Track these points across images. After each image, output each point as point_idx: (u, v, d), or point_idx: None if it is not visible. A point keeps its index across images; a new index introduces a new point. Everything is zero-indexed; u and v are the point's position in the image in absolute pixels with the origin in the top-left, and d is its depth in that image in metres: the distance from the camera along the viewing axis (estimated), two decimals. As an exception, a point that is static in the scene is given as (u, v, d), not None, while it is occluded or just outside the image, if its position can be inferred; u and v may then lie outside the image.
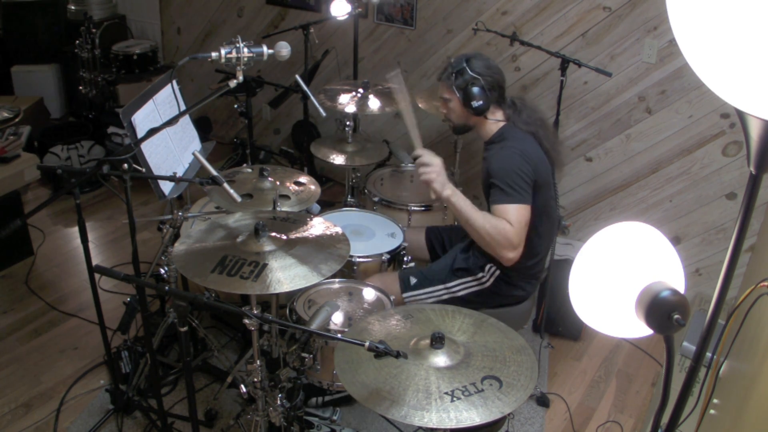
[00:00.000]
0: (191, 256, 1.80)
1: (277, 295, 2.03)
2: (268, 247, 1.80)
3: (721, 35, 0.73)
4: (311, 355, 1.95)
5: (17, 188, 3.34)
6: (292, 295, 2.23)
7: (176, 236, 2.30)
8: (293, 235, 1.90)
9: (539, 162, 2.16)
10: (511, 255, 2.08)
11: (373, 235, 2.56)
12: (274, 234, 1.86)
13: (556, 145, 2.28)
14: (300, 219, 2.02)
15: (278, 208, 2.01)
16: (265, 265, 1.72)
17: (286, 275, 1.70)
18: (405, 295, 2.30)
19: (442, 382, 1.50)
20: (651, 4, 2.92)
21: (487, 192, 2.19)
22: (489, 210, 2.14)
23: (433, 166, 2.14)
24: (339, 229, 1.97)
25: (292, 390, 2.09)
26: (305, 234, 1.93)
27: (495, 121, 2.24)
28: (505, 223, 2.05)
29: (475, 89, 2.16)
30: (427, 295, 2.30)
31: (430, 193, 2.16)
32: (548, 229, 2.30)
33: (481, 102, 2.17)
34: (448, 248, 2.57)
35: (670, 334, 0.99)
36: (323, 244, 1.89)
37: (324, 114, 2.53)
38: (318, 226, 1.98)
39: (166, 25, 4.90)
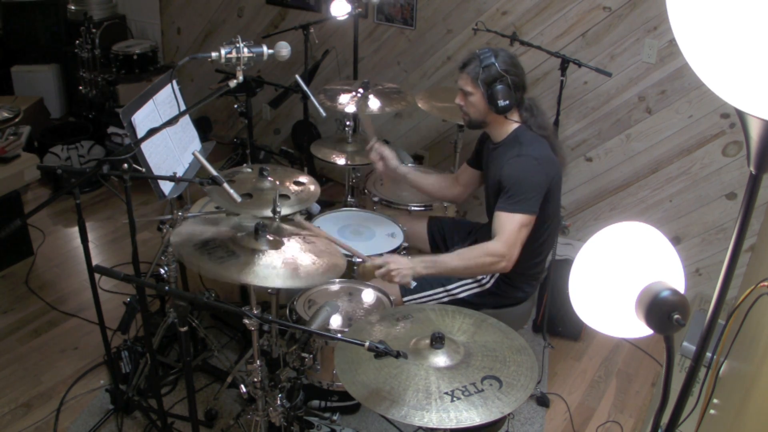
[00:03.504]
0: (191, 236, 1.81)
1: (278, 294, 2.03)
2: (263, 246, 1.80)
3: (721, 35, 0.73)
4: (311, 355, 1.96)
5: (17, 188, 3.34)
6: (292, 295, 2.23)
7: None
8: (291, 242, 1.89)
9: (553, 167, 2.14)
10: (504, 265, 2.07)
11: (373, 235, 2.56)
12: (273, 237, 1.86)
13: (560, 150, 2.27)
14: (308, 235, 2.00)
15: (278, 209, 2.01)
16: (237, 256, 1.71)
17: (265, 272, 1.68)
18: (405, 299, 2.29)
19: (442, 382, 1.50)
20: (651, 4, 2.92)
21: (494, 196, 2.16)
22: (492, 213, 2.13)
23: (389, 269, 2.04)
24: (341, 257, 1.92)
25: (292, 390, 2.09)
26: (304, 246, 1.92)
27: (511, 121, 2.19)
28: (484, 246, 2.06)
29: (502, 87, 2.09)
30: (427, 298, 2.30)
31: (408, 285, 2.10)
32: (553, 232, 2.30)
33: (507, 101, 2.10)
34: (449, 241, 2.56)
35: (670, 334, 0.99)
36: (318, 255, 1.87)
37: (324, 114, 2.53)
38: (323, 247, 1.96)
39: (166, 25, 4.89)
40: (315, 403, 2.47)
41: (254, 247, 1.77)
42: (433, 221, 2.64)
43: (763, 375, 1.34)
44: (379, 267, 2.06)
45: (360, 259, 2.17)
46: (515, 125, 2.19)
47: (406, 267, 2.05)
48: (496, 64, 2.10)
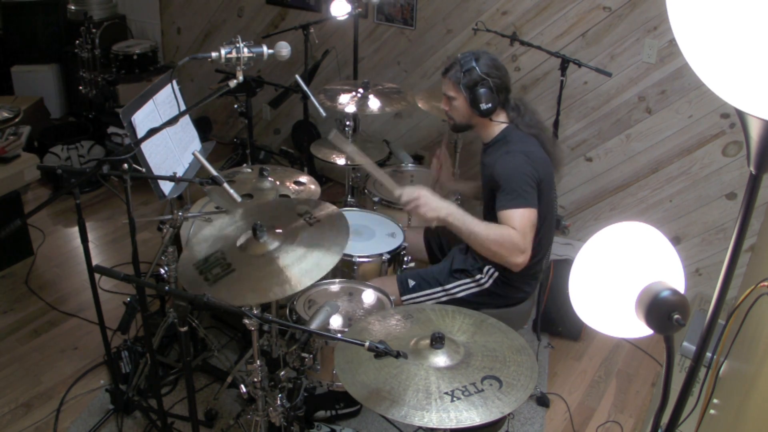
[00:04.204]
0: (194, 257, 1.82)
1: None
2: (272, 245, 1.80)
3: (721, 35, 0.73)
4: (311, 355, 1.95)
5: (17, 188, 3.34)
6: (292, 295, 2.23)
7: (176, 236, 2.30)
8: (292, 225, 1.90)
9: (543, 164, 2.14)
10: (520, 260, 2.04)
11: (373, 235, 2.56)
12: (274, 230, 1.86)
13: (555, 148, 2.27)
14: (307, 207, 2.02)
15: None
16: (232, 270, 1.72)
17: (299, 269, 1.70)
18: (404, 298, 2.29)
19: (442, 382, 1.50)
20: (651, 4, 2.92)
21: (490, 196, 2.16)
22: (492, 215, 2.13)
23: (418, 198, 2.07)
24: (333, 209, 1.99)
25: (292, 390, 2.09)
26: (302, 222, 1.93)
27: (498, 122, 2.20)
28: (510, 229, 2.01)
29: (484, 90, 2.10)
30: (425, 297, 2.30)
31: (431, 222, 2.11)
32: (549, 230, 2.30)
33: (489, 104, 2.12)
34: (446, 249, 2.56)
35: (670, 334, 0.99)
36: (323, 224, 1.88)
37: (324, 114, 2.53)
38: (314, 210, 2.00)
39: (166, 25, 4.89)
40: (320, 414, 2.46)
41: (259, 251, 1.77)
42: (429, 232, 2.64)
43: (763, 375, 1.34)
44: (409, 200, 2.09)
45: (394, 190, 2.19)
46: (503, 125, 2.20)
47: (428, 204, 2.07)
48: (477, 68, 2.11)
